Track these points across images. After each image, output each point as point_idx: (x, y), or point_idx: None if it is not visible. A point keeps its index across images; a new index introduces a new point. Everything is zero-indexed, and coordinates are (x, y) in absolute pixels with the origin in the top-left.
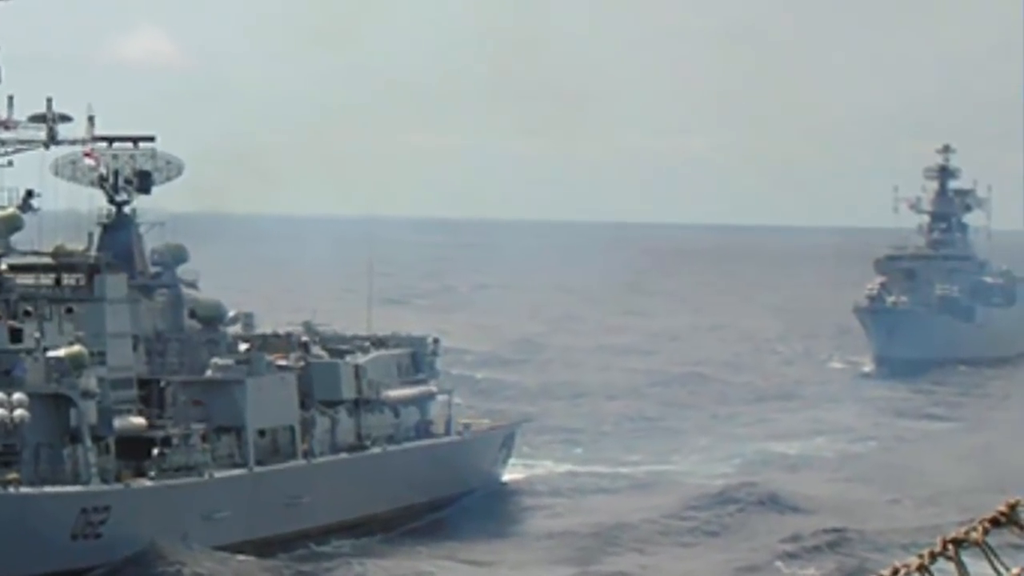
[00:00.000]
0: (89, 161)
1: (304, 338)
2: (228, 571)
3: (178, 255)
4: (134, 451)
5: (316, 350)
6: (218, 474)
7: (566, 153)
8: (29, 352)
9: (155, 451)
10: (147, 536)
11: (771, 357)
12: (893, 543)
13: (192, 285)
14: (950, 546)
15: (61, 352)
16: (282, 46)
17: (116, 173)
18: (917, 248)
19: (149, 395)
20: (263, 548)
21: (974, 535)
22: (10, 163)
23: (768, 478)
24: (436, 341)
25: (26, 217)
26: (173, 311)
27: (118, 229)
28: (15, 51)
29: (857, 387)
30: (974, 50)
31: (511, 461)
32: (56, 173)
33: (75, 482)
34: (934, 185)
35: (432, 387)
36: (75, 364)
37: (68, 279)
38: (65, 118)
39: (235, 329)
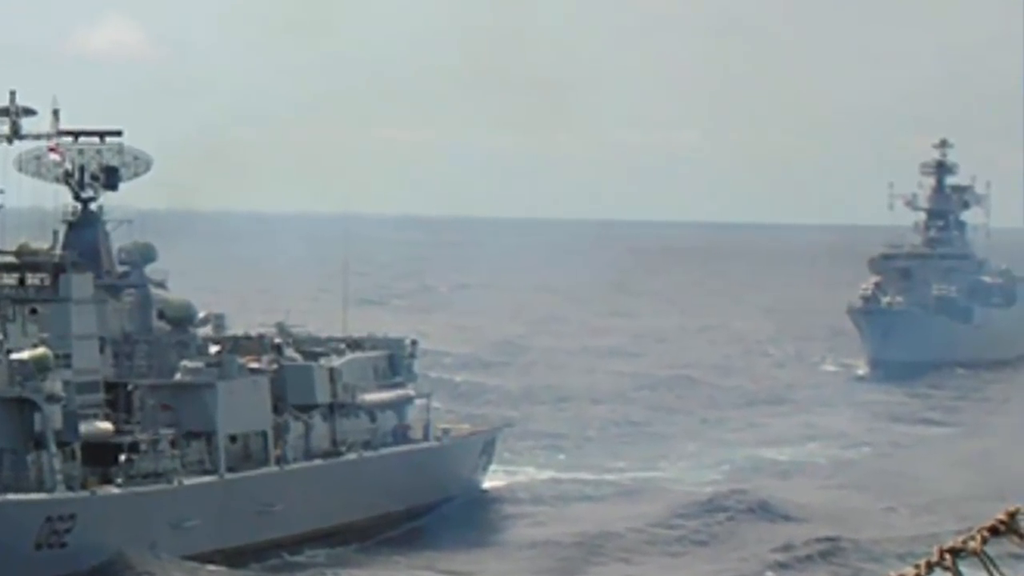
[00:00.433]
0: (54, 156)
1: (277, 340)
2: None
3: (146, 254)
4: (101, 457)
5: (289, 352)
6: (188, 481)
7: (549, 148)
8: None
9: (122, 457)
10: (114, 545)
11: (762, 359)
12: (888, 553)
13: (161, 285)
14: (947, 556)
15: (25, 354)
16: (254, 37)
17: (82, 169)
18: (913, 247)
19: (116, 399)
20: (234, 558)
21: (972, 544)
22: None
23: (759, 485)
24: (414, 343)
25: None
26: (141, 312)
27: (84, 227)
28: None
29: (851, 391)
30: (972, 42)
31: (492, 468)
32: (20, 169)
33: (39, 489)
34: (931, 181)
35: (410, 391)
36: (39, 367)
37: (32, 279)
38: (29, 112)
39: (205, 331)
